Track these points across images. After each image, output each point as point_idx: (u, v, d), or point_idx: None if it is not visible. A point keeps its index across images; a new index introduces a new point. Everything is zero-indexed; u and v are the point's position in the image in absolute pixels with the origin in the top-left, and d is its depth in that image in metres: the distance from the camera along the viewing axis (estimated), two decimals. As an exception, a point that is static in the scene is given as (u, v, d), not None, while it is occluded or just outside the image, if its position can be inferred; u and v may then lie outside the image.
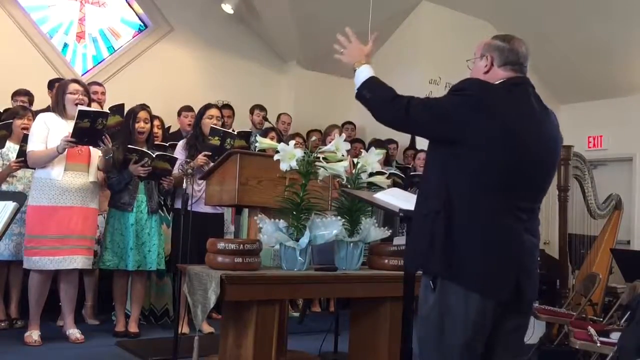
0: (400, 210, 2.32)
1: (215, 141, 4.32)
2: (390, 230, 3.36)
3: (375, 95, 2.24)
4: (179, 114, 6.05)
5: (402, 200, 2.47)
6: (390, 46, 7.89)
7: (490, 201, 1.98)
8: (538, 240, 2.11)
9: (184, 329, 4.34)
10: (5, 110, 4.93)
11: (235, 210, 5.22)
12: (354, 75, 2.37)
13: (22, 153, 4.26)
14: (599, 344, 3.44)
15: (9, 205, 2.27)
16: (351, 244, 3.18)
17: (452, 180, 2.01)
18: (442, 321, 1.99)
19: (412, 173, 6.31)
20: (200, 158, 4.28)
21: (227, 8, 7.25)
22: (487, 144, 1.98)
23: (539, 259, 2.21)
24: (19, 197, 2.34)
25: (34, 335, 3.92)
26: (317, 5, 7.18)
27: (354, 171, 3.28)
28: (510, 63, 2.16)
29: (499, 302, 1.98)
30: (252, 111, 6.69)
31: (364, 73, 2.31)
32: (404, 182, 5.90)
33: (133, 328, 4.34)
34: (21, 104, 5.07)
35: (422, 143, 7.05)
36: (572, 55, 7.60)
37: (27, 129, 4.42)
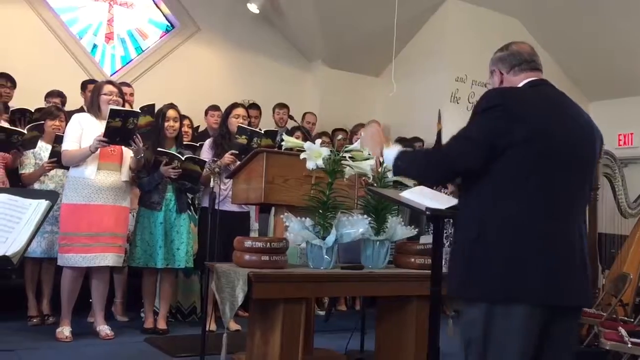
0: (427, 208, 2.30)
1: (243, 140, 4.35)
2: (417, 229, 3.35)
3: (412, 161, 2.21)
4: (206, 113, 6.12)
5: (429, 198, 2.46)
6: (415, 44, 7.85)
7: (529, 207, 1.94)
8: (585, 239, 2.06)
9: (211, 326, 4.38)
10: (38, 110, 5.03)
11: (259, 209, 5.25)
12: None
13: (54, 153, 4.35)
14: (630, 345, 3.38)
15: (42, 204, 2.31)
16: (377, 243, 3.18)
17: (487, 194, 1.98)
18: (487, 338, 1.94)
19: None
20: (227, 157, 4.31)
21: (253, 8, 7.29)
22: (522, 148, 1.94)
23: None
24: (52, 196, 2.38)
25: (65, 331, 3.99)
26: (342, 3, 7.18)
27: (380, 169, 3.27)
28: (517, 65, 2.16)
29: (552, 308, 1.93)
30: (273, 110, 6.72)
31: (392, 152, 2.25)
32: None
33: (161, 325, 4.40)
34: (54, 104, 5.17)
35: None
36: (601, 52, 7.46)
37: (59, 129, 4.51)
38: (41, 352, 3.71)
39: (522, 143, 1.94)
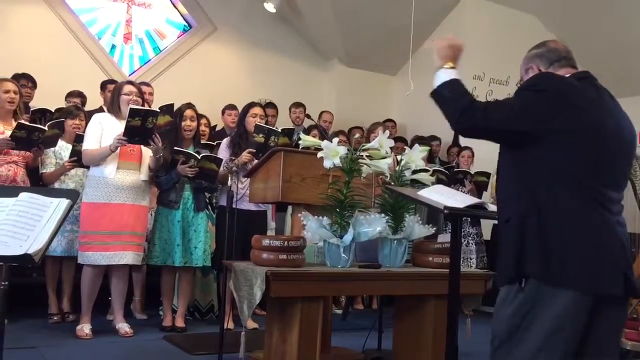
0: (445, 207, 2.29)
1: (260, 139, 4.37)
2: (435, 228, 3.33)
3: (454, 96, 2.12)
4: (223, 112, 6.15)
5: (447, 197, 2.44)
6: (434, 39, 7.81)
7: (580, 196, 1.92)
8: (627, 230, 2.05)
9: (229, 324, 4.40)
10: (58, 110, 5.09)
11: (276, 207, 5.26)
12: (433, 75, 2.25)
13: (75, 153, 4.40)
14: (651, 345, 3.34)
15: (63, 203, 2.35)
16: (395, 241, 3.17)
17: (534, 180, 1.96)
18: (531, 322, 1.92)
19: (456, 169, 6.24)
20: (245, 155, 4.33)
21: (270, 7, 7.31)
22: (570, 136, 1.93)
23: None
24: (72, 195, 2.42)
25: (85, 328, 4.04)
26: (359, 1, 7.17)
27: (397, 168, 3.27)
28: (556, 61, 2.14)
29: (600, 297, 1.91)
30: (290, 109, 6.74)
31: (448, 74, 2.19)
32: (448, 179, 5.85)
33: (180, 323, 4.43)
34: (74, 104, 5.22)
35: (466, 140, 6.96)
36: (619, 50, 7.37)
37: (79, 129, 4.56)
38: (62, 349, 3.75)
39: (571, 132, 1.92)
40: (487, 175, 6.05)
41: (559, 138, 1.93)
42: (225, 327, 3.53)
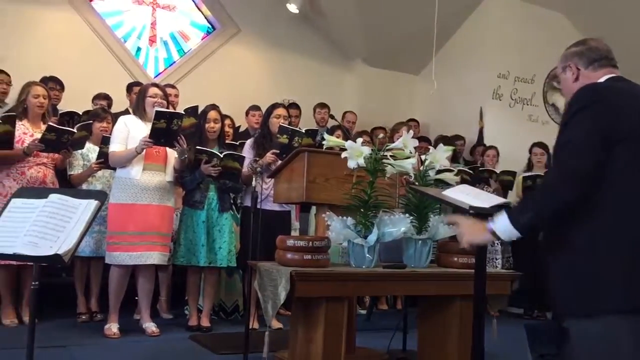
0: (471, 207, 2.27)
1: (284, 139, 4.38)
2: (460, 228, 3.30)
3: (536, 207, 1.91)
4: (247, 113, 6.19)
5: (472, 197, 2.42)
6: (456, 41, 7.77)
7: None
8: None
9: (254, 324, 4.42)
10: (86, 113, 5.18)
11: (300, 208, 5.28)
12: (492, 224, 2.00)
13: (102, 154, 4.47)
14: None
15: (91, 204, 2.39)
16: (419, 242, 3.15)
17: (604, 197, 1.84)
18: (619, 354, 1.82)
19: (481, 169, 6.19)
20: (269, 156, 4.35)
21: (293, 8, 7.34)
22: (630, 143, 1.83)
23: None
24: (100, 196, 2.46)
25: (113, 327, 4.10)
26: (382, 1, 7.15)
27: (421, 168, 3.25)
28: (597, 60, 2.07)
29: None
30: (314, 109, 6.76)
31: (501, 219, 1.96)
32: (472, 178, 5.80)
33: (205, 322, 4.47)
34: (100, 106, 5.31)
35: (490, 139, 6.91)
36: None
37: (106, 131, 4.63)
38: (91, 348, 3.81)
39: (627, 139, 1.84)
40: (513, 174, 5.99)
41: (621, 148, 1.82)
42: (250, 326, 3.55)
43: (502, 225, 1.95)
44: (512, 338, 4.07)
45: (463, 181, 4.80)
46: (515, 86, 7.44)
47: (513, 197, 5.91)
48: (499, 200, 2.40)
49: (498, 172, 6.04)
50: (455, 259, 3.18)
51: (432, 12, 6.58)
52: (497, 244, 5.94)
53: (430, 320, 3.28)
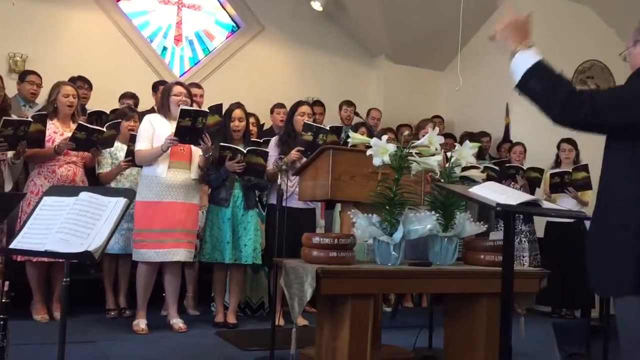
0: (498, 204, 2.25)
1: (308, 137, 4.40)
2: (486, 225, 3.29)
3: (547, 87, 1.87)
4: (272, 111, 6.21)
5: (499, 194, 2.41)
6: (482, 36, 7.67)
7: None
8: None
9: (280, 321, 4.45)
10: (113, 112, 5.25)
11: (325, 205, 5.29)
12: (509, 61, 1.96)
13: (130, 153, 4.53)
14: None
15: (120, 202, 2.43)
16: (445, 239, 3.14)
17: None
18: None
19: (507, 165, 6.13)
20: (294, 153, 4.37)
21: (316, 5, 7.35)
22: None
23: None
24: (129, 194, 2.49)
25: (141, 323, 4.15)
26: (406, -3, 7.12)
27: (447, 165, 3.24)
28: None
29: None
30: (340, 107, 6.77)
31: (528, 58, 1.91)
32: (499, 175, 5.75)
33: (231, 319, 4.51)
34: (127, 105, 5.38)
35: (517, 135, 6.83)
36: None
37: (134, 130, 4.69)
38: (120, 343, 3.86)
39: None
40: (540, 171, 5.92)
41: None
42: (276, 323, 3.57)
43: (524, 60, 1.90)
44: (540, 337, 4.05)
45: (489, 178, 4.76)
46: (542, 82, 7.33)
47: (540, 194, 5.84)
48: (527, 197, 2.39)
49: (525, 168, 5.97)
50: (482, 256, 3.16)
51: (457, 7, 6.52)
52: (525, 241, 5.88)
53: (457, 318, 3.26)
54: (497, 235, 3.22)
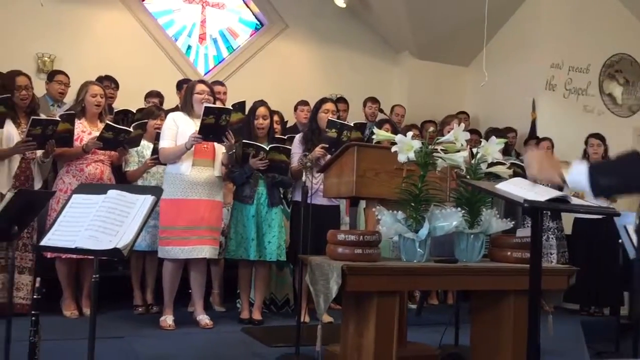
0: (525, 200, 2.23)
1: (333, 133, 4.39)
2: (513, 222, 3.25)
3: (623, 175, 1.79)
4: (295, 108, 6.23)
5: (526, 190, 2.38)
6: (507, 31, 7.59)
7: None
8: None
9: (305, 318, 4.46)
10: (140, 110, 5.31)
11: (350, 202, 5.28)
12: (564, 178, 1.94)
13: (156, 151, 4.58)
14: None
15: (148, 199, 2.45)
16: (471, 236, 3.11)
17: None
18: None
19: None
20: (318, 150, 4.37)
21: (340, 2, 7.33)
22: None
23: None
24: (156, 191, 2.52)
25: (168, 320, 4.20)
26: (429, -8, 7.06)
27: (473, 161, 3.21)
28: None
29: None
30: (365, 104, 6.75)
31: (579, 171, 1.86)
32: (525, 171, 5.67)
33: (257, 315, 4.53)
34: (153, 104, 5.43)
35: (543, 131, 6.74)
36: None
37: (159, 128, 4.74)
38: (148, 339, 3.91)
39: None
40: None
41: None
42: (301, 320, 3.58)
43: (577, 175, 1.82)
44: (568, 335, 3.99)
45: (516, 174, 4.70)
46: (569, 76, 7.22)
47: (568, 190, 5.75)
48: (555, 193, 2.35)
49: (552, 164, 5.87)
50: (509, 253, 3.12)
51: (482, 2, 6.44)
52: (553, 238, 5.80)
53: (484, 315, 3.23)
54: (524, 232, 3.19)
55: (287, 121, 6.28)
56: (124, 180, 4.72)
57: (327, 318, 4.52)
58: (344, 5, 7.39)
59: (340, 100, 6.36)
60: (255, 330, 4.25)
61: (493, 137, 3.25)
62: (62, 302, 4.47)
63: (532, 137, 6.82)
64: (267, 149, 4.36)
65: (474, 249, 3.12)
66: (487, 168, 3.22)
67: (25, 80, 4.37)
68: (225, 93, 5.67)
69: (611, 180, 1.79)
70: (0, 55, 5.45)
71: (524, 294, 2.40)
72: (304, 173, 3.89)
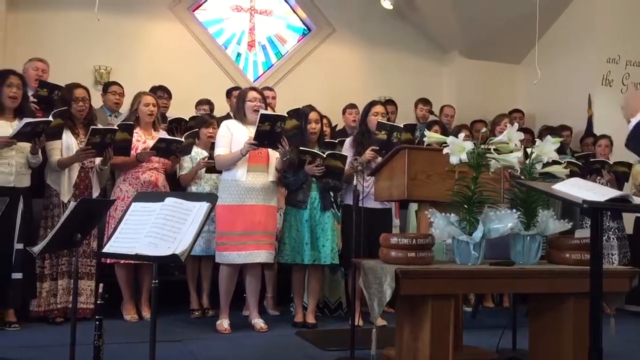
0: (584, 201, 2.17)
1: (382, 135, 4.39)
2: (571, 223, 3.17)
3: None
4: (344, 111, 6.25)
5: (585, 190, 2.31)
6: (560, 26, 7.40)
7: None
8: None
9: (358, 321, 4.45)
10: (192, 118, 5.43)
11: (400, 205, 5.26)
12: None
13: (211, 157, 4.67)
14: None
15: (203, 206, 2.51)
16: (528, 237, 3.05)
17: None
18: None
19: (592, 159, 5.86)
20: (368, 152, 4.38)
21: (387, 4, 7.31)
22: None
23: None
24: (212, 198, 2.58)
25: (224, 323, 4.27)
26: (478, -10, 6.96)
27: (527, 162, 3.14)
28: None
29: None
30: (416, 105, 6.71)
31: (633, 122, 2.20)
32: (582, 170, 5.51)
33: (310, 319, 4.56)
34: (204, 112, 5.55)
35: (600, 128, 6.54)
36: None
37: (212, 136, 4.83)
38: (204, 342, 3.99)
39: None
40: (628, 165, 5.62)
41: None
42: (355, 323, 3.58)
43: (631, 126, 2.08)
44: (632, 337, 3.86)
45: (572, 174, 4.58)
46: (627, 70, 6.98)
47: (629, 188, 5.56)
48: (615, 192, 2.28)
49: (611, 163, 5.70)
50: (568, 255, 3.05)
51: (533, -1, 6.31)
52: (613, 239, 5.62)
53: (543, 318, 3.16)
54: (583, 233, 3.11)
55: (335, 125, 6.30)
56: (178, 187, 4.84)
57: (381, 321, 4.51)
58: (390, 7, 7.36)
59: (389, 102, 6.34)
60: (310, 334, 4.27)
61: (548, 137, 3.19)
62: (122, 306, 4.60)
63: (589, 134, 6.62)
64: (324, 155, 4.39)
65: (530, 251, 3.05)
66: (542, 168, 3.15)
67: (83, 92, 4.53)
68: (274, 98, 5.74)
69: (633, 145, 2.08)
70: (60, 69, 5.65)
71: (585, 296, 2.34)
72: (355, 176, 3.89)
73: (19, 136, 4.00)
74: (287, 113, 4.85)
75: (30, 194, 4.29)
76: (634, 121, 2.14)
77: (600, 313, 2.21)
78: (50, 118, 4.16)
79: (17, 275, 4.10)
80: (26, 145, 4.15)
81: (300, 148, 4.40)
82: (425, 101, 6.67)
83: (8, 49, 6.19)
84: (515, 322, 3.85)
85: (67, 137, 4.40)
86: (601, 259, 2.26)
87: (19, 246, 4.05)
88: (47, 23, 6.48)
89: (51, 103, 4.72)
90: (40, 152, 4.21)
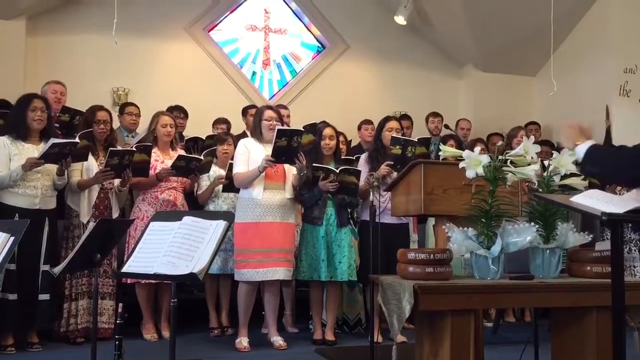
0: (603, 213, 2.15)
1: (397, 150, 4.39)
2: (591, 235, 3.13)
3: (605, 164, 2.19)
4: (359, 127, 6.26)
5: (604, 202, 2.29)
6: (576, 37, 7.36)
7: None
8: None
9: (378, 338, 4.42)
10: (209, 137, 5.48)
11: (417, 219, 5.23)
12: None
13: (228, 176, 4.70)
14: None
15: (221, 224, 2.52)
16: (547, 251, 3.01)
17: None
18: None
19: (610, 171, 5.79)
20: (383, 168, 4.38)
21: (400, 20, 7.33)
22: None
23: None
24: (228, 216, 2.59)
25: (243, 342, 4.27)
26: (491, 3, 6.96)
27: (544, 174, 3.12)
28: None
29: None
30: (427, 119, 6.71)
31: (582, 150, 2.30)
32: (601, 182, 5.44)
33: (330, 336, 4.53)
34: (221, 131, 5.60)
35: (619, 139, 6.47)
36: None
37: (227, 153, 4.87)
38: (224, 361, 4.00)
39: None
40: (648, 175, 5.54)
41: None
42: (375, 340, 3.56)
43: (579, 153, 2.30)
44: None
45: (591, 185, 4.53)
46: (645, 81, 6.92)
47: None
48: (635, 204, 2.25)
49: (631, 173, 5.62)
50: (589, 268, 3.00)
51: (547, 10, 6.30)
52: (635, 250, 5.53)
53: (565, 333, 3.11)
54: (604, 245, 3.06)
55: (350, 140, 6.31)
56: (196, 205, 4.86)
57: (400, 338, 4.47)
58: (404, 23, 7.38)
59: (404, 117, 6.35)
60: (330, 351, 4.25)
61: (565, 148, 3.15)
62: (142, 326, 4.62)
63: (607, 145, 6.56)
64: (337, 171, 4.39)
65: (550, 265, 3.01)
66: (560, 180, 3.13)
67: (105, 115, 4.61)
68: (288, 116, 5.77)
69: (593, 169, 2.25)
70: (78, 91, 5.76)
71: (607, 310, 2.31)
72: (371, 192, 3.89)
73: (47, 157, 4.06)
74: (303, 127, 4.87)
75: (55, 216, 4.35)
76: (581, 149, 2.29)
77: (623, 327, 2.18)
78: (77, 139, 4.22)
79: (44, 296, 4.16)
80: (52, 168, 4.21)
81: (313, 164, 4.41)
82: (435, 114, 6.68)
83: (28, 73, 6.31)
84: (537, 337, 3.79)
85: (88, 158, 4.46)
86: (622, 272, 2.23)
87: (45, 267, 4.09)
88: (66, 46, 6.60)
89: (73, 128, 4.80)
90: (66, 174, 4.27)
